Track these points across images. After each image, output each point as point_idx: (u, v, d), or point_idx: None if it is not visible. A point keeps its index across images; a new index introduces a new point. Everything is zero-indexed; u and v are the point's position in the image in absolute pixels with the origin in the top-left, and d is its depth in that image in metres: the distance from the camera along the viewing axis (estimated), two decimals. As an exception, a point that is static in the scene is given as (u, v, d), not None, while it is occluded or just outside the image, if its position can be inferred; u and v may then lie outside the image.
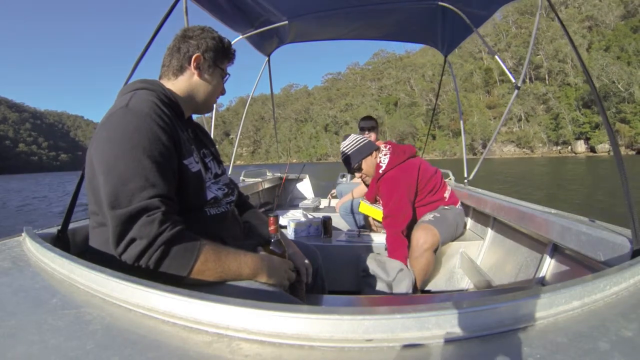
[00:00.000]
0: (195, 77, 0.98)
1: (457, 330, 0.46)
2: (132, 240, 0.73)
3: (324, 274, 1.30)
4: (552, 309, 0.51)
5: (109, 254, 0.77)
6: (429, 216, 1.85)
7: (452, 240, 1.92)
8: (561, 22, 1.30)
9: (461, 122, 3.24)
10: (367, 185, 2.20)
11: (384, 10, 2.46)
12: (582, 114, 59.26)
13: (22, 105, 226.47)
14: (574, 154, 56.87)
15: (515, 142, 68.67)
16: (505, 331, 0.47)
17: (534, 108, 67.98)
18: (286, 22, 2.59)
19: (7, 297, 0.59)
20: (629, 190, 0.89)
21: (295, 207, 3.20)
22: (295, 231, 2.09)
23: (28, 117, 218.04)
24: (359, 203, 2.17)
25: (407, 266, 1.66)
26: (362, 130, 2.80)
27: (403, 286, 1.56)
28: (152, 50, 1.30)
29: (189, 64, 0.96)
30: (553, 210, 1.35)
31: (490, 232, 1.90)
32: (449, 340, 0.45)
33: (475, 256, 1.89)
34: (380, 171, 1.95)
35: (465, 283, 1.88)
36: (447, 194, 2.01)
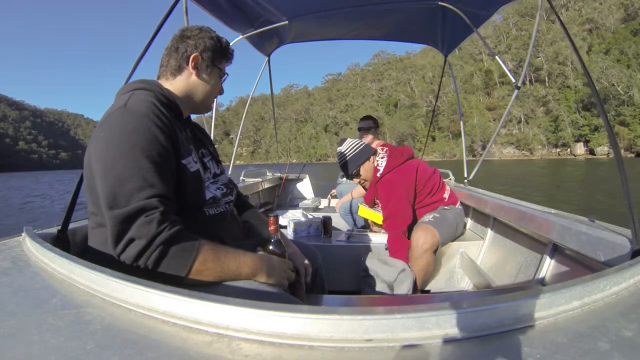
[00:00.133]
0: (193, 77, 0.98)
1: (457, 331, 0.46)
2: (131, 241, 0.73)
3: (324, 274, 1.30)
4: (552, 309, 0.51)
5: (108, 254, 0.77)
6: (428, 217, 1.85)
7: (452, 241, 1.91)
8: (562, 23, 1.30)
9: (461, 123, 3.24)
10: (365, 190, 2.19)
11: (384, 10, 2.46)
12: (581, 117, 59.19)
13: (22, 103, 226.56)
14: (573, 156, 56.87)
15: (514, 144, 68.59)
16: (505, 331, 0.47)
17: (533, 110, 67.91)
18: (286, 22, 2.59)
19: (7, 297, 0.59)
20: (629, 191, 0.89)
21: (295, 207, 3.20)
22: (295, 231, 2.09)
23: (28, 115, 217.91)
24: (358, 206, 2.17)
25: (409, 267, 1.66)
26: (360, 131, 2.80)
27: (404, 287, 1.56)
28: (153, 50, 1.29)
29: (187, 63, 0.96)
30: (553, 211, 1.35)
31: (490, 232, 1.90)
32: (448, 341, 0.45)
33: (475, 256, 1.89)
34: (378, 174, 1.93)
35: (465, 283, 1.88)
36: (446, 195, 2.01)
